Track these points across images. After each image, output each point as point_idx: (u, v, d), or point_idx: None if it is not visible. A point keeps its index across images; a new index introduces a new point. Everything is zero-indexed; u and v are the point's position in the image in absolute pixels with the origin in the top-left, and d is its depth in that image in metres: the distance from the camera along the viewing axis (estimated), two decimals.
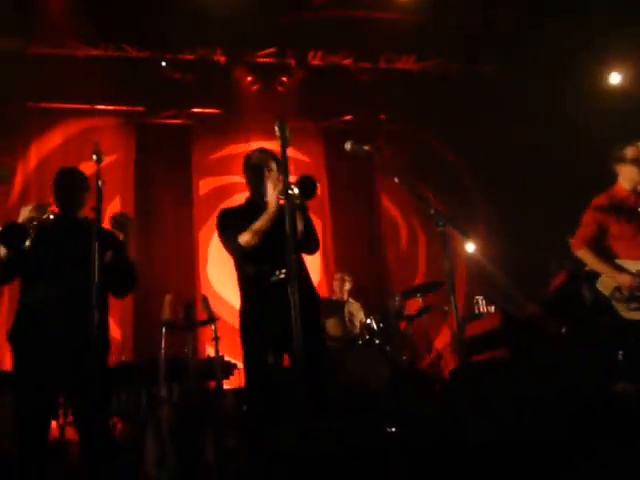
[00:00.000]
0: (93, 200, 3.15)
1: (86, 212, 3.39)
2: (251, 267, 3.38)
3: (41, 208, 3.17)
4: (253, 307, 3.35)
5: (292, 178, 3.02)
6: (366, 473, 3.28)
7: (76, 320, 2.97)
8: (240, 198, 3.72)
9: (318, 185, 3.20)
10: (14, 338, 3.21)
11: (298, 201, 3.14)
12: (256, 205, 3.43)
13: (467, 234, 3.92)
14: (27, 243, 2.99)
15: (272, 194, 3.28)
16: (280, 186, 3.15)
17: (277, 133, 2.82)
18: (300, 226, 3.27)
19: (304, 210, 3.34)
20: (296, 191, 3.07)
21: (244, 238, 3.29)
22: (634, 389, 3.74)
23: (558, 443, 3.24)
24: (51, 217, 3.18)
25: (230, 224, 3.44)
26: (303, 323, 2.51)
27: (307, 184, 3.16)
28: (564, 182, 7.19)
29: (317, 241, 3.52)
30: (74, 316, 2.99)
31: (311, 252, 3.51)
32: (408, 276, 8.21)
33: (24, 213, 3.10)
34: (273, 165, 3.46)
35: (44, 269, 3.19)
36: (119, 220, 3.38)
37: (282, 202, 3.10)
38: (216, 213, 3.60)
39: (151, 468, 4.05)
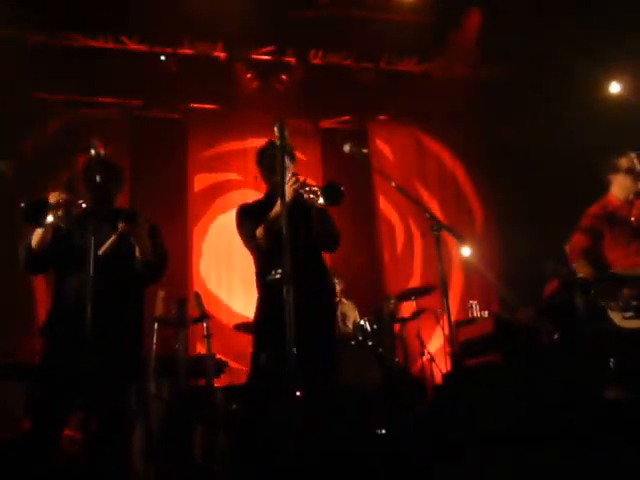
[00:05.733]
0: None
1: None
2: (268, 266, 3.30)
3: (70, 193, 3.09)
4: (265, 306, 3.30)
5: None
6: (355, 475, 3.26)
7: (108, 312, 2.93)
8: (236, 195, 3.67)
9: (343, 193, 3.10)
10: (46, 332, 3.16)
11: (319, 204, 3.10)
12: (276, 198, 3.22)
13: (462, 239, 3.91)
14: (50, 219, 2.92)
15: (288, 190, 3.04)
16: (294, 182, 3.12)
17: (276, 134, 2.76)
18: (317, 226, 3.25)
19: (323, 209, 3.28)
20: (319, 197, 3.05)
21: (259, 232, 3.23)
22: (625, 395, 3.76)
23: (549, 446, 3.23)
24: (83, 206, 3.09)
25: (249, 219, 3.36)
26: (309, 324, 2.47)
27: (334, 191, 3.10)
28: (561, 188, 7.20)
29: (335, 239, 3.43)
30: (106, 308, 2.92)
31: (330, 251, 3.49)
32: (403, 278, 8.19)
33: (53, 197, 2.99)
34: (287, 160, 3.41)
35: (76, 260, 3.10)
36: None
37: (306, 196, 3.10)
38: (210, 210, 3.56)
39: (137, 462, 4.02)
